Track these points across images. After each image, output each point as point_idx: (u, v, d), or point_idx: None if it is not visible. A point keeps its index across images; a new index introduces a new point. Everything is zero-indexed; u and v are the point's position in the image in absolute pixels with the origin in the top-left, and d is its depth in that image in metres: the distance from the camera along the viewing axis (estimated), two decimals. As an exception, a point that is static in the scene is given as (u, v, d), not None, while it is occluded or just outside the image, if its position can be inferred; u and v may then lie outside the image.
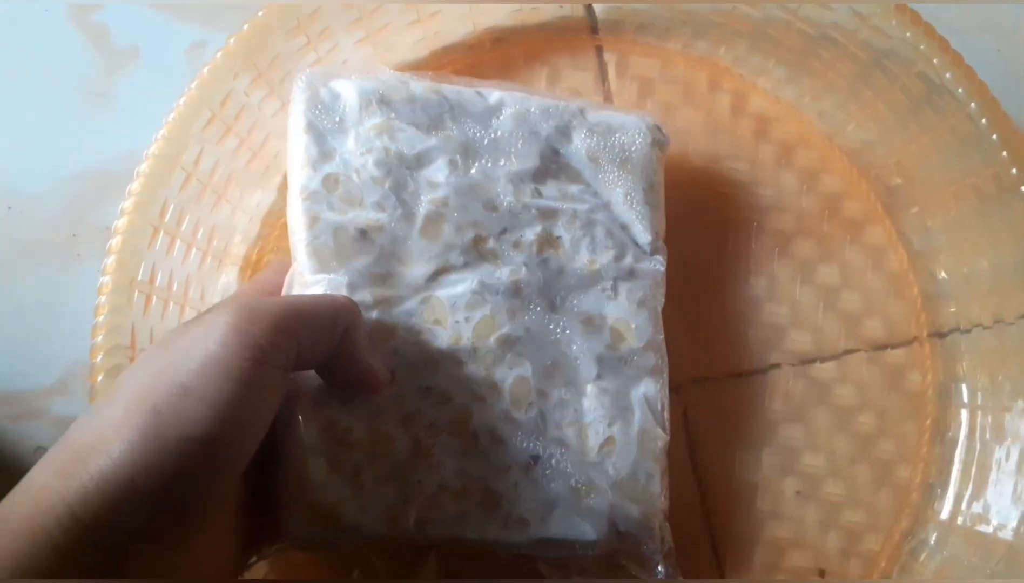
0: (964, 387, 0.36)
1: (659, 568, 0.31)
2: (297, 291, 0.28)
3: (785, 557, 0.35)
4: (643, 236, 0.33)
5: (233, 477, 0.23)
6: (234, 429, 0.22)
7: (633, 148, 0.33)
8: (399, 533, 0.27)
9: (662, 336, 0.32)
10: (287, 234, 0.30)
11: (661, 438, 0.31)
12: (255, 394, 0.23)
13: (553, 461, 0.29)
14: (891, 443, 0.36)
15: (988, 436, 0.35)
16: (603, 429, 0.30)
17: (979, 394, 0.36)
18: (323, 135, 0.30)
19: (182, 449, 0.21)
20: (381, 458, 0.28)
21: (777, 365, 0.36)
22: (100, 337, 0.31)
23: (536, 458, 0.29)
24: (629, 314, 0.31)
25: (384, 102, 0.30)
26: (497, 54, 0.38)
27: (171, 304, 0.33)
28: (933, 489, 0.36)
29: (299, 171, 0.29)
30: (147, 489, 0.21)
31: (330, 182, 0.29)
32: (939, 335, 0.37)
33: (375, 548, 0.30)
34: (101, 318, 0.31)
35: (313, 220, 0.29)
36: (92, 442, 0.21)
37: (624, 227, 0.33)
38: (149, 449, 0.21)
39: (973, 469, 0.35)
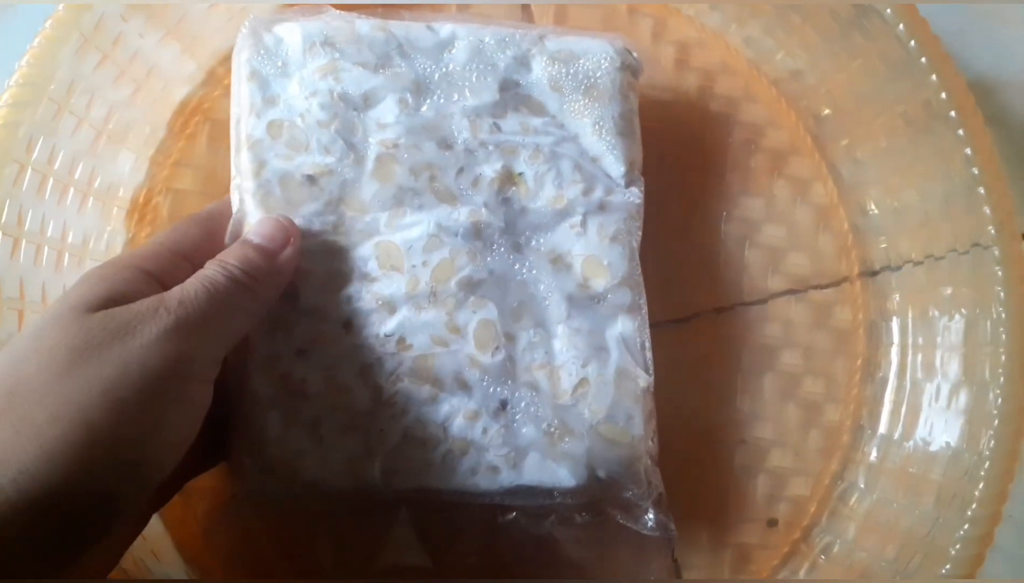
0: (895, 325, 0.36)
1: (648, 515, 0.31)
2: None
3: (728, 507, 0.35)
4: (615, 167, 0.32)
5: (153, 490, 0.24)
6: (167, 449, 0.23)
7: (599, 74, 0.32)
8: (364, 486, 0.28)
9: (639, 271, 0.31)
10: (177, 172, 0.30)
11: (643, 378, 0.30)
12: (190, 411, 0.24)
13: (523, 405, 0.29)
14: (820, 384, 0.36)
15: (919, 375, 0.34)
16: (576, 370, 0.30)
17: (910, 331, 0.35)
18: (267, 81, 0.29)
19: (114, 471, 0.22)
20: (341, 409, 0.28)
21: (699, 313, 0.36)
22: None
23: (505, 403, 0.29)
24: (600, 250, 0.31)
25: (328, 43, 0.30)
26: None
27: (46, 249, 0.31)
28: (863, 430, 0.35)
29: (244, 119, 0.29)
30: (67, 512, 0.21)
31: (274, 128, 0.29)
32: (870, 274, 0.36)
33: (339, 503, 0.30)
34: None
35: (259, 167, 0.28)
36: (11, 444, 0.21)
37: (594, 159, 0.32)
38: (76, 468, 0.21)
39: (903, 409, 0.34)
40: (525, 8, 0.37)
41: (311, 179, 0.29)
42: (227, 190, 0.29)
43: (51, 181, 0.31)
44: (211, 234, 0.28)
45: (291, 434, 0.27)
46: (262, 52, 0.30)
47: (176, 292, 0.24)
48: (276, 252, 0.27)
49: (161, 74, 0.34)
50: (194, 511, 0.32)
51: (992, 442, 0.30)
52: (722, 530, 0.35)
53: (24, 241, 0.30)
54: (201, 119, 0.35)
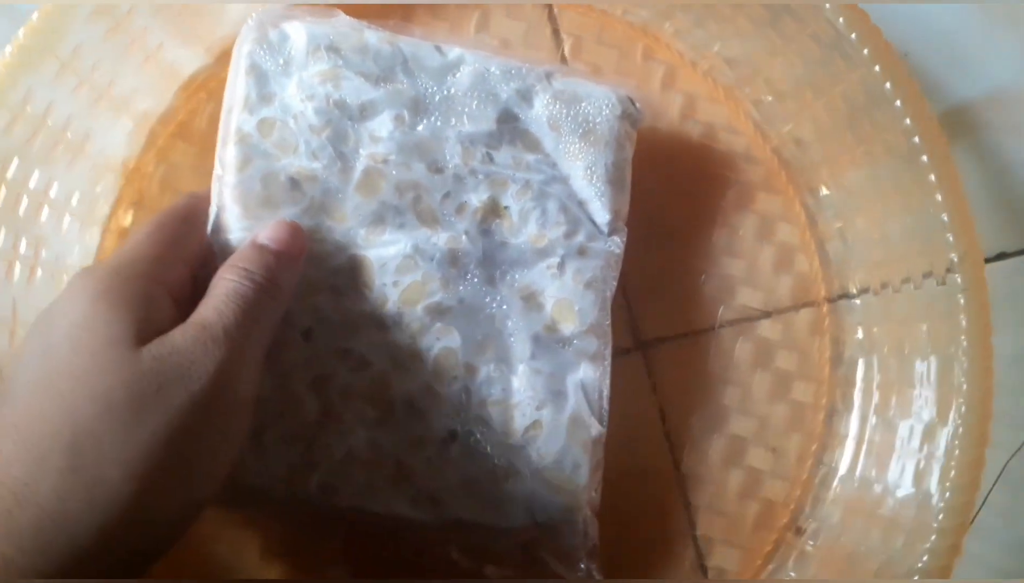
0: (858, 303, 0.36)
1: (581, 565, 0.31)
2: (220, 238, 0.28)
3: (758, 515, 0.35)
4: (601, 215, 0.32)
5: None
6: (218, 481, 0.24)
7: (599, 120, 0.32)
8: (300, 497, 0.28)
9: (608, 322, 0.32)
10: (173, 143, 0.31)
11: (595, 428, 0.31)
12: (238, 440, 0.25)
13: (472, 440, 0.29)
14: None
15: (886, 352, 0.35)
16: (531, 412, 0.30)
17: (873, 309, 0.36)
18: (265, 77, 0.30)
19: (181, 515, 0.23)
20: (288, 418, 0.28)
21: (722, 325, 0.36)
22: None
23: (454, 434, 0.29)
24: (574, 295, 0.31)
25: (333, 49, 0.30)
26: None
27: (25, 199, 0.31)
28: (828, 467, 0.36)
29: (236, 113, 0.29)
30: (135, 557, 0.22)
31: (265, 126, 0.29)
32: (838, 365, 0.37)
33: (278, 513, 0.31)
34: None
35: (244, 163, 0.29)
36: (87, 504, 0.21)
37: (581, 203, 0.32)
38: (151, 517, 0.22)
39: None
40: (549, 10, 0.37)
41: (294, 182, 0.29)
42: None
43: (42, 135, 0.31)
44: (192, 231, 0.28)
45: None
46: (265, 47, 0.30)
47: (214, 317, 0.24)
48: (294, 258, 0.27)
49: (170, 49, 0.34)
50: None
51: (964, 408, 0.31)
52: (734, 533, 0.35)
53: (4, 188, 0.30)
54: (205, 97, 0.35)
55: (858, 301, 0.36)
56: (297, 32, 0.30)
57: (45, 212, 0.32)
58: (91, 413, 0.22)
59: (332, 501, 0.28)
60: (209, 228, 0.28)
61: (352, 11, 0.33)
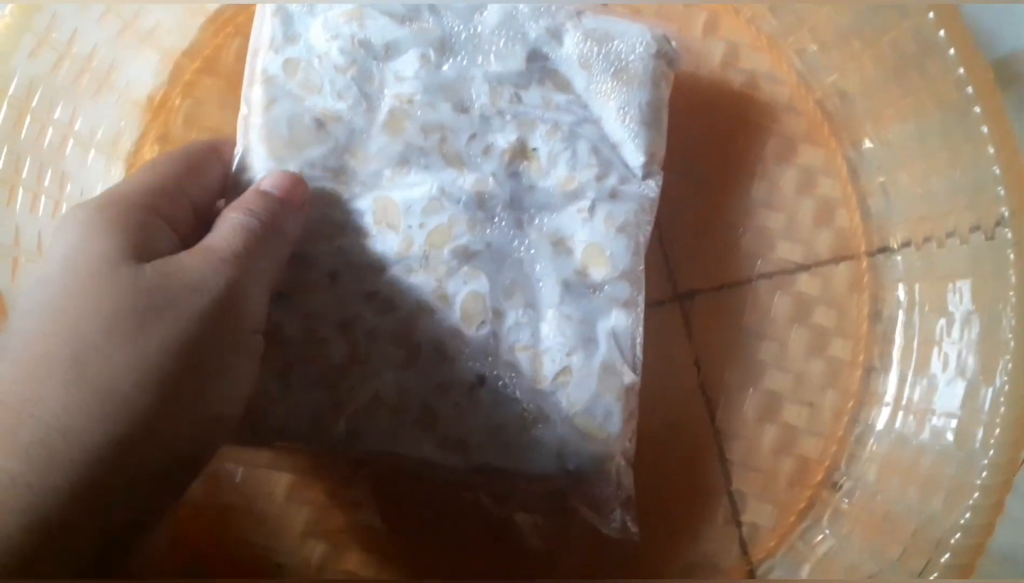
0: (899, 258, 0.35)
1: (614, 515, 0.31)
2: (244, 177, 0.28)
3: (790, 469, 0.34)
4: (635, 157, 0.31)
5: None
6: (235, 404, 0.24)
7: (631, 57, 0.31)
8: (326, 440, 0.28)
9: (642, 268, 0.31)
10: (199, 78, 0.30)
11: (628, 376, 0.30)
12: (252, 364, 0.25)
13: (500, 384, 0.29)
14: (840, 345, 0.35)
15: (927, 309, 0.34)
16: (560, 358, 0.29)
17: (914, 265, 0.34)
18: (291, 17, 0.29)
19: (199, 431, 0.23)
20: (313, 360, 0.28)
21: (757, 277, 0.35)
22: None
23: (482, 379, 0.29)
24: (605, 239, 0.30)
25: (358, -13, 0.30)
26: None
27: (50, 130, 0.31)
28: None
29: (261, 53, 0.29)
30: (160, 475, 0.22)
31: (290, 66, 0.29)
32: (877, 321, 0.35)
33: (304, 455, 0.31)
34: None
35: (269, 103, 0.29)
36: (100, 415, 0.21)
37: (614, 146, 0.31)
38: (168, 432, 0.21)
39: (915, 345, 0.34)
40: None
41: (319, 123, 0.29)
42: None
43: (67, 62, 0.31)
44: (199, 171, 0.28)
45: (261, 378, 0.27)
46: (291, -13, 0.30)
47: (222, 244, 0.24)
48: (297, 205, 0.27)
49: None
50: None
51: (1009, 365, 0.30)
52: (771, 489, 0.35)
53: (28, 117, 0.30)
54: (232, 31, 0.35)
55: (899, 256, 0.35)
56: (322, -28, 0.30)
57: (70, 145, 0.32)
58: (95, 327, 0.21)
59: (358, 444, 0.28)
60: (234, 166, 0.28)
61: None
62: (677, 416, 0.35)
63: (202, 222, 0.26)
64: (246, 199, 0.26)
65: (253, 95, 0.29)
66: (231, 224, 0.25)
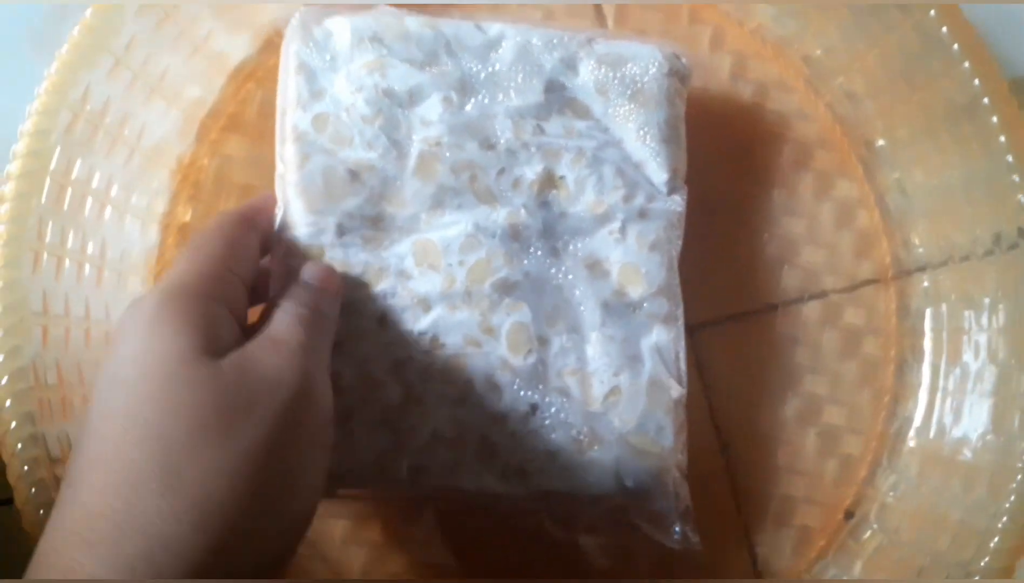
0: (920, 250, 0.36)
1: (675, 528, 0.31)
2: (287, 233, 0.29)
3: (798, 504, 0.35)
4: (658, 174, 0.32)
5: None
6: (315, 493, 0.24)
7: (646, 79, 0.32)
8: (391, 481, 0.28)
9: (677, 281, 0.32)
10: (225, 137, 0.32)
11: (675, 389, 0.31)
12: (327, 454, 0.25)
13: (553, 410, 0.30)
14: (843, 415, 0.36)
15: (953, 298, 0.34)
16: (608, 378, 0.30)
17: (939, 275, 0.35)
18: (314, 74, 0.30)
19: (284, 528, 0.23)
20: (372, 404, 0.29)
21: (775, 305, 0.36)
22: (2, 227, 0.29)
23: (535, 407, 0.30)
24: (639, 258, 0.31)
25: (376, 39, 0.31)
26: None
27: (89, 199, 0.32)
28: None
29: (290, 112, 0.30)
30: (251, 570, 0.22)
31: (320, 122, 0.30)
32: (904, 316, 0.36)
33: (370, 497, 0.32)
34: (7, 206, 0.30)
35: (303, 160, 0.29)
36: (196, 524, 0.21)
37: (637, 165, 0.32)
38: (256, 532, 0.22)
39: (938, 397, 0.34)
40: (597, 8, 0.37)
41: (353, 174, 0.30)
42: (273, 157, 0.30)
43: (101, 133, 0.32)
44: (239, 245, 0.28)
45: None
46: (311, 45, 0.31)
47: (285, 335, 0.25)
48: (332, 292, 0.28)
49: (218, 39, 0.35)
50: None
51: None
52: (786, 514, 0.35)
53: (70, 189, 0.31)
54: (255, 86, 0.36)
55: (921, 250, 0.36)
56: (340, 27, 0.31)
57: (108, 212, 0.33)
58: (181, 431, 0.21)
59: (423, 481, 0.29)
60: (276, 224, 0.29)
61: None
62: (719, 426, 0.35)
63: (250, 295, 0.27)
64: (293, 292, 0.27)
65: (287, 153, 0.30)
66: (287, 316, 0.25)
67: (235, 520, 0.21)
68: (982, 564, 0.29)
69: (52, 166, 0.31)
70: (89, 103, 0.31)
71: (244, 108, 0.36)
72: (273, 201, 0.30)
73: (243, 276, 0.27)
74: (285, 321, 0.25)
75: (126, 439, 0.21)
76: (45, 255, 0.31)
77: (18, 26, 0.38)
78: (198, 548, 0.20)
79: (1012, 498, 0.29)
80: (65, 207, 0.31)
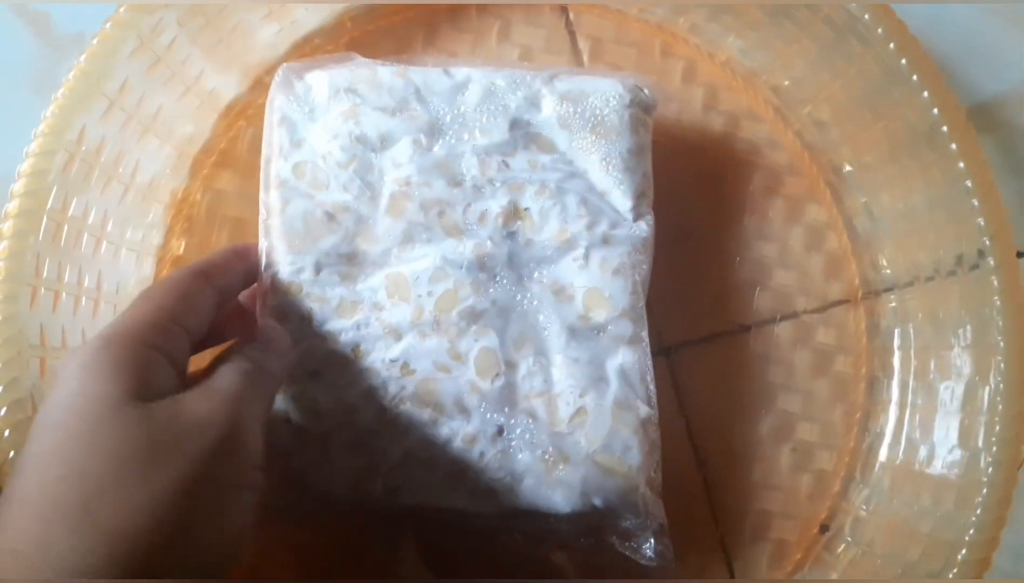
0: (888, 271, 0.36)
1: (647, 545, 0.32)
2: (270, 271, 0.32)
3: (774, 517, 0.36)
4: (622, 202, 0.34)
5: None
6: (238, 535, 0.25)
7: (607, 111, 0.34)
8: (367, 499, 0.31)
9: (642, 304, 0.33)
10: (216, 172, 0.34)
11: (643, 409, 0.32)
12: (253, 496, 0.26)
13: (519, 431, 0.31)
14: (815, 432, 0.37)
15: (920, 317, 0.35)
16: (574, 399, 0.32)
17: (906, 295, 0.36)
18: (295, 125, 0.33)
19: (199, 565, 0.23)
20: (347, 427, 0.31)
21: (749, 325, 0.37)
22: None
23: (502, 429, 0.31)
24: (602, 283, 0.33)
25: (351, 90, 0.34)
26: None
27: (85, 235, 0.34)
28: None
29: (273, 161, 0.33)
30: None
31: (299, 169, 0.33)
32: (874, 335, 0.37)
33: (350, 517, 0.34)
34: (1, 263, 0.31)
35: (284, 205, 0.32)
36: (104, 557, 0.21)
37: (602, 194, 0.34)
38: (168, 567, 0.22)
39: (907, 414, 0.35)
40: (574, 46, 0.40)
41: (330, 215, 0.32)
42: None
43: (96, 171, 0.34)
44: (191, 299, 0.29)
45: (303, 449, 0.31)
46: (292, 99, 0.34)
47: (223, 384, 0.26)
48: (281, 352, 0.30)
49: (209, 79, 0.37)
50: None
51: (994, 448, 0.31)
52: (762, 528, 0.36)
53: (67, 226, 0.33)
54: (245, 124, 0.39)
55: (889, 271, 0.37)
56: (319, 81, 0.34)
57: (104, 247, 0.35)
58: (103, 470, 0.22)
59: (397, 500, 0.31)
60: (262, 264, 0.32)
61: (378, 37, 0.38)
62: (695, 443, 0.37)
63: (198, 345, 0.29)
64: (240, 347, 0.29)
65: (270, 199, 0.33)
66: (229, 368, 0.27)
67: (148, 554, 0.22)
68: (951, 575, 0.29)
69: (49, 205, 0.32)
70: (84, 143, 0.33)
71: (235, 144, 0.39)
72: (233, 255, 0.32)
73: (189, 327, 0.28)
74: (225, 372, 0.27)
75: (47, 477, 0.22)
76: (42, 290, 0.33)
77: (19, 70, 0.40)
78: (109, 580, 0.21)
79: (978, 512, 0.30)
80: (62, 244, 0.33)
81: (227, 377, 0.27)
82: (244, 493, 0.25)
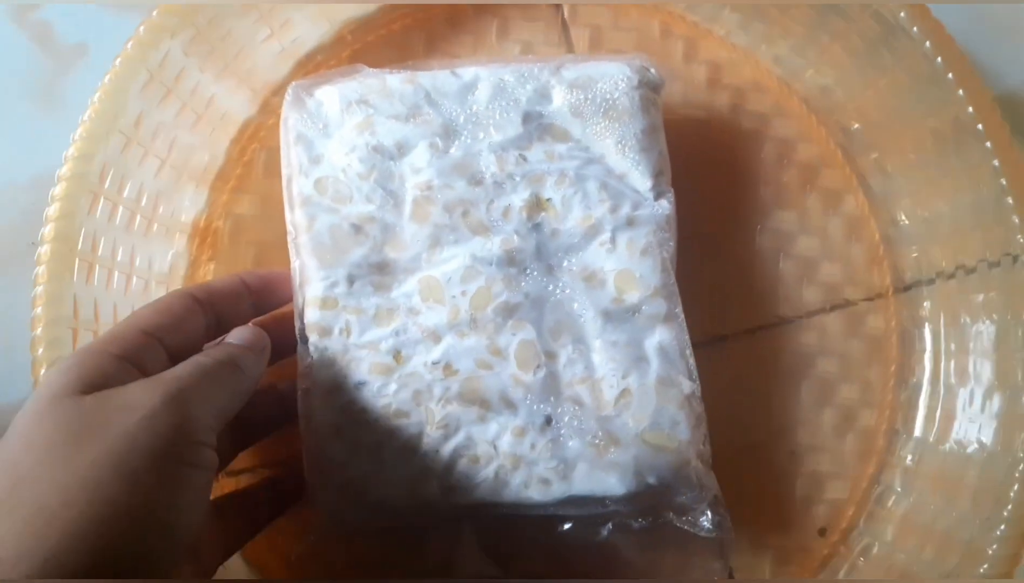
0: (927, 332, 0.37)
1: (705, 516, 0.33)
2: (303, 289, 0.33)
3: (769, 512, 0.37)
4: (642, 182, 0.34)
5: (184, 548, 0.25)
6: (187, 510, 0.25)
7: (616, 94, 0.34)
8: (424, 502, 0.31)
9: (673, 280, 0.33)
10: (235, 197, 0.35)
11: (686, 384, 0.32)
12: (200, 474, 0.26)
13: (567, 419, 0.32)
14: (856, 390, 0.37)
15: (952, 380, 0.35)
16: (617, 382, 0.32)
17: (942, 339, 0.36)
18: (311, 142, 0.34)
19: (141, 537, 0.23)
20: (398, 433, 0.31)
21: (736, 333, 0.38)
22: (40, 308, 0.32)
23: (550, 418, 0.32)
24: (631, 264, 0.33)
25: (362, 101, 0.34)
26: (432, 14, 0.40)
27: (116, 274, 0.35)
28: (898, 435, 0.37)
29: (295, 179, 0.34)
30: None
31: (321, 185, 0.33)
32: (903, 289, 0.37)
33: (409, 522, 0.34)
34: (41, 288, 0.33)
35: (311, 222, 0.33)
36: (29, 535, 0.22)
37: (621, 177, 0.34)
38: (102, 543, 0.22)
39: (938, 413, 0.36)
40: (557, 8, 0.40)
41: (356, 227, 0.33)
42: (282, 212, 0.34)
43: (121, 209, 0.35)
44: (175, 317, 0.30)
45: (357, 459, 0.31)
46: (305, 116, 0.34)
47: (169, 371, 0.27)
48: (255, 350, 0.30)
49: (219, 105, 0.38)
50: (279, 551, 0.35)
51: None
52: (763, 534, 0.36)
53: (98, 266, 0.34)
54: (258, 147, 0.39)
55: (907, 223, 0.37)
56: (329, 96, 0.34)
57: (133, 282, 0.36)
58: (32, 458, 0.23)
59: (453, 500, 0.31)
60: (296, 282, 0.33)
61: (378, 46, 0.39)
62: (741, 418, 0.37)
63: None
64: (209, 348, 0.29)
65: (296, 218, 0.33)
66: (183, 363, 0.27)
67: (72, 528, 0.22)
68: (1005, 513, 0.30)
69: (79, 246, 0.34)
70: (106, 181, 0.34)
71: (250, 169, 0.39)
72: (239, 282, 0.33)
73: (167, 341, 0.29)
74: (180, 366, 0.27)
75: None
76: (81, 330, 0.34)
77: (19, 80, 0.41)
78: (35, 557, 0.22)
79: (1009, 507, 0.31)
80: (95, 283, 0.34)
81: (176, 369, 0.27)
82: (185, 469, 0.25)
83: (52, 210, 0.33)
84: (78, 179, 0.33)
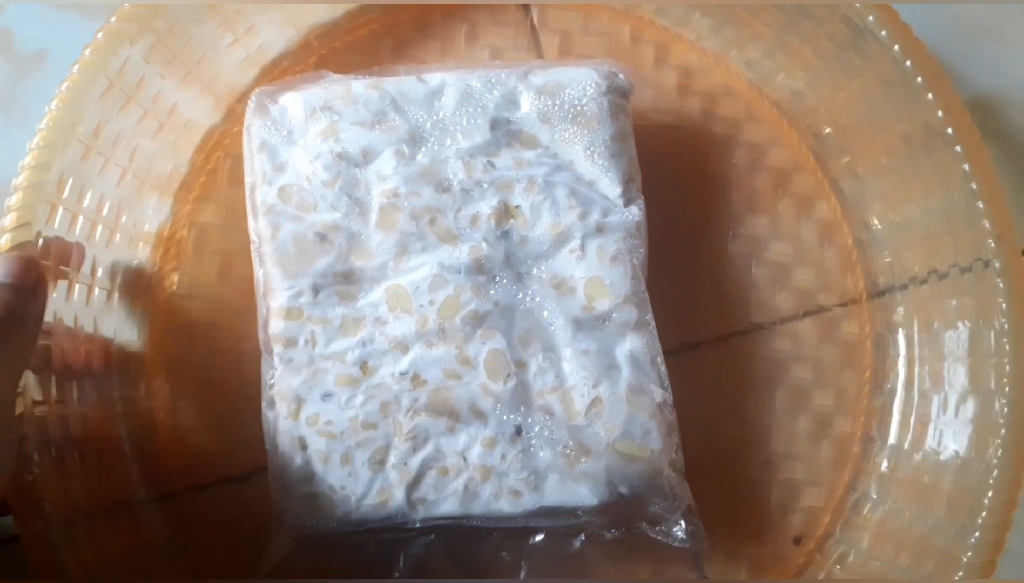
0: (901, 337, 0.37)
1: (678, 526, 0.33)
2: (268, 299, 0.32)
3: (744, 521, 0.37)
4: (611, 189, 0.34)
5: None
6: None
7: (584, 100, 0.34)
8: (394, 515, 0.31)
9: (644, 287, 0.34)
10: (199, 206, 0.34)
11: (657, 393, 0.33)
12: None
13: (537, 429, 0.32)
14: (830, 396, 0.38)
15: (926, 385, 0.36)
16: (588, 391, 0.32)
17: (916, 344, 0.37)
18: (275, 150, 0.34)
19: None
20: (366, 445, 0.31)
21: (709, 340, 0.38)
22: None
23: (520, 429, 0.32)
24: (601, 271, 0.33)
25: (327, 108, 0.34)
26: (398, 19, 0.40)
27: (77, 285, 0.34)
28: (873, 441, 0.37)
29: (258, 188, 0.34)
30: None
31: (285, 193, 0.33)
32: (876, 295, 0.38)
33: (379, 533, 0.34)
34: None
35: (274, 230, 0.33)
36: None
37: (590, 183, 0.34)
38: None
39: (912, 420, 0.36)
40: (525, 9, 0.40)
41: (321, 236, 0.33)
42: (246, 222, 0.34)
43: (81, 219, 0.34)
44: None
45: (325, 472, 0.31)
46: (269, 123, 0.34)
47: None
48: (29, 289, 0.30)
49: (182, 113, 0.37)
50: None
51: (1000, 450, 0.32)
52: (738, 543, 0.37)
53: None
54: (222, 155, 0.39)
55: (880, 227, 0.38)
56: (293, 102, 0.34)
57: (96, 293, 0.36)
58: None
59: (422, 513, 0.31)
60: (260, 292, 0.33)
61: (345, 52, 0.38)
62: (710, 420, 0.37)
63: None
64: None
65: (260, 226, 0.33)
66: None
67: None
68: (979, 521, 0.30)
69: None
70: (63, 191, 0.33)
71: (214, 177, 0.39)
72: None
73: None
74: None
75: None
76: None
77: None
78: None
79: (999, 453, 0.31)
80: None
81: None
82: None
83: (8, 220, 0.32)
84: (35, 189, 0.33)
